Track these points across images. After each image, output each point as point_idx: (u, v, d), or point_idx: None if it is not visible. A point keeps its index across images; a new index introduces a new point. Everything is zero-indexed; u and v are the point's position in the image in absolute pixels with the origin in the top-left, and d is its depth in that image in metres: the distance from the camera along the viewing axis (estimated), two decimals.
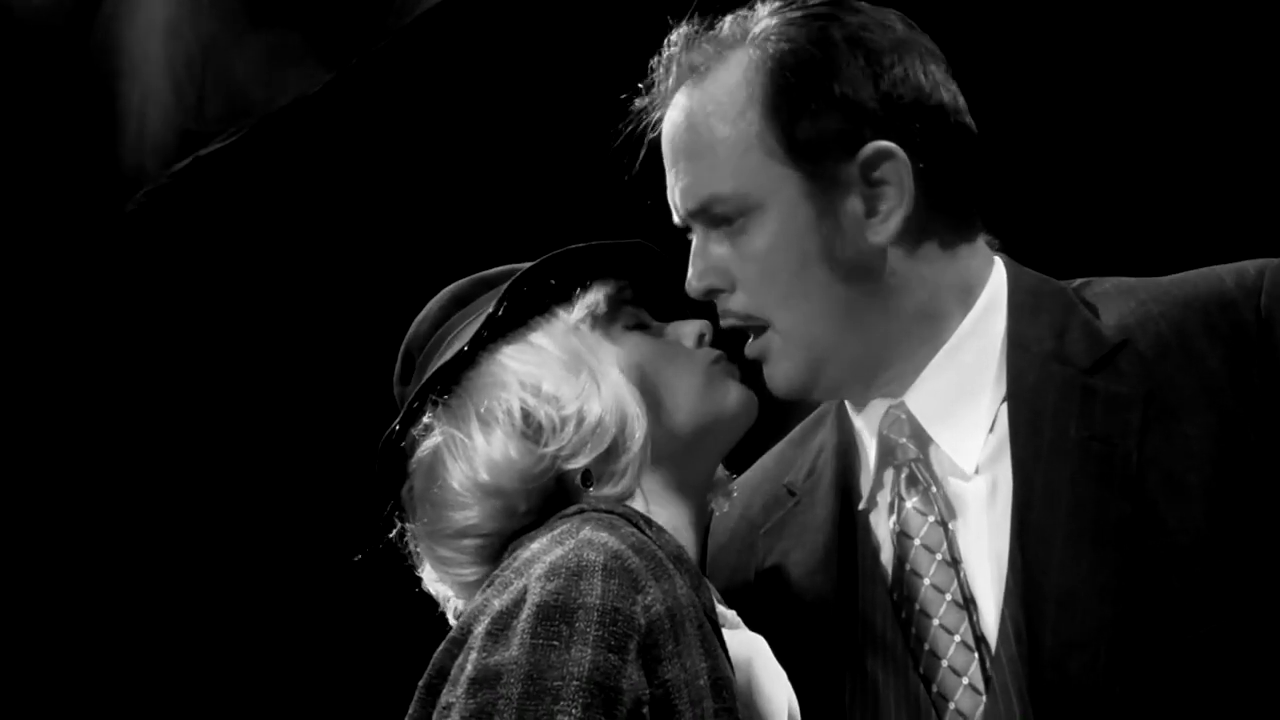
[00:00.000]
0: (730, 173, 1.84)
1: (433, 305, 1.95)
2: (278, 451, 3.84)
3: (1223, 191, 2.72)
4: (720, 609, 1.82)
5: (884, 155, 1.82)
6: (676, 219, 1.93)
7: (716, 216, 1.86)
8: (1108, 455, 1.75)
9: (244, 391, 3.93)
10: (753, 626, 1.86)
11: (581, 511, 1.74)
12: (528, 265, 1.89)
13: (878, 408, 1.90)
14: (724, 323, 1.91)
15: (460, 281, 1.95)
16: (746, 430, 1.94)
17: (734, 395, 1.91)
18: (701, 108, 1.87)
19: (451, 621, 1.87)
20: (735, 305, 1.88)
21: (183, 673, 3.99)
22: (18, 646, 4.02)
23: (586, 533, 1.66)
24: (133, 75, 3.86)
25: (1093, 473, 1.75)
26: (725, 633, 1.77)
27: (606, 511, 1.73)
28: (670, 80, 1.91)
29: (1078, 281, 1.91)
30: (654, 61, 1.93)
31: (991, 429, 1.83)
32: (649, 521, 1.77)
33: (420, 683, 1.68)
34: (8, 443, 4.04)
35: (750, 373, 1.94)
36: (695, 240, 1.90)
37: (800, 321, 1.84)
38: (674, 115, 1.90)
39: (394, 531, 1.90)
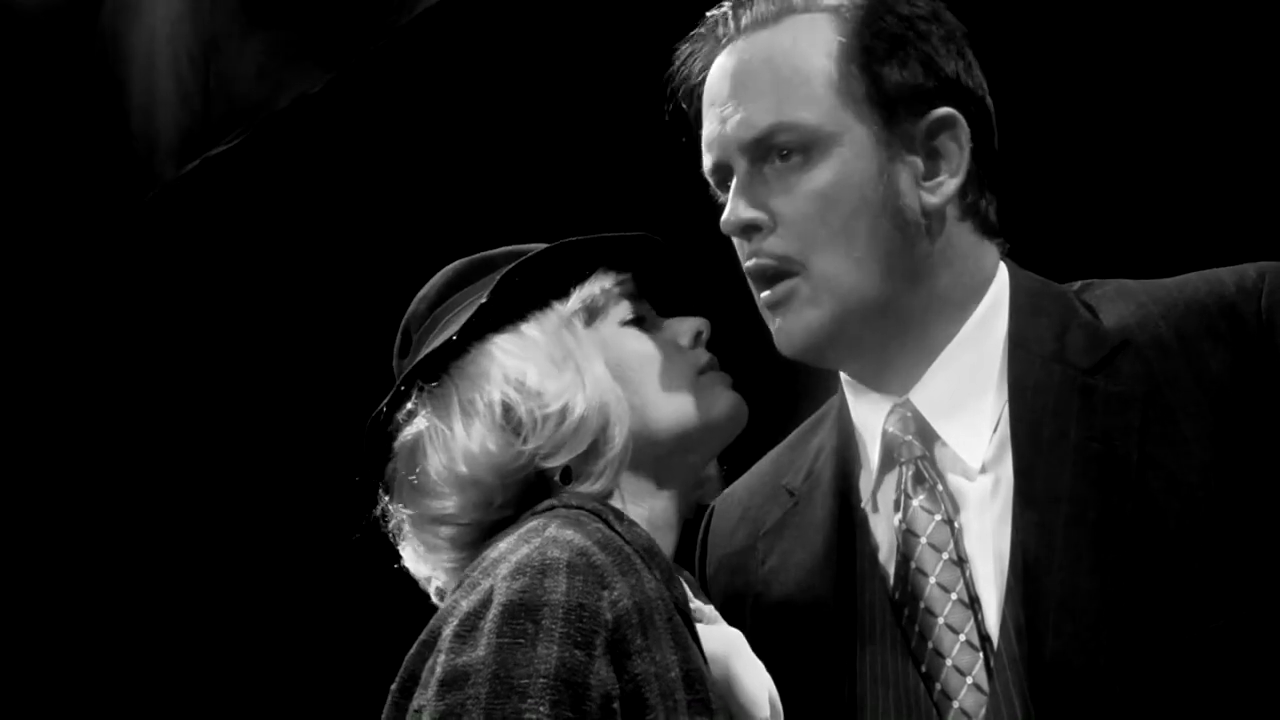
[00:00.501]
0: (806, 104, 1.82)
1: (434, 282, 1.93)
2: (283, 448, 3.85)
3: (1223, 192, 2.72)
4: (698, 604, 1.81)
5: (950, 122, 1.84)
6: (711, 161, 1.90)
7: (775, 147, 1.83)
8: (1107, 456, 1.74)
9: (251, 389, 3.94)
10: (754, 627, 1.86)
11: (552, 508, 1.73)
12: (532, 248, 1.88)
13: (880, 406, 1.90)
14: (752, 264, 1.87)
15: (463, 260, 1.94)
16: (733, 439, 1.92)
17: (722, 402, 1.88)
18: (778, 45, 1.85)
19: (435, 601, 1.87)
20: (772, 244, 1.84)
21: (166, 669, 3.99)
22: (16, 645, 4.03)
23: (552, 530, 1.66)
24: (137, 77, 3.87)
25: (1092, 473, 1.74)
26: (703, 628, 1.76)
27: (576, 507, 1.73)
28: (734, 25, 1.89)
29: (1078, 284, 1.91)
30: (712, 12, 1.92)
31: (995, 428, 1.83)
32: (620, 516, 1.76)
33: (393, 686, 1.68)
34: (15, 438, 4.06)
35: (740, 381, 1.92)
36: (739, 177, 1.85)
37: (839, 268, 1.82)
38: (738, 55, 1.87)
39: (378, 509, 1.89)
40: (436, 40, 3.37)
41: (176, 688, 3.98)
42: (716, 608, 1.93)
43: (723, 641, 1.77)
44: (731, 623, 1.87)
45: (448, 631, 1.62)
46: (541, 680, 1.55)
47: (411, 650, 1.68)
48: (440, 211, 3.58)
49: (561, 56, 3.35)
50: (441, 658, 1.60)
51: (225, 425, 4.00)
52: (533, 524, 1.70)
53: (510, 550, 1.66)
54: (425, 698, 1.59)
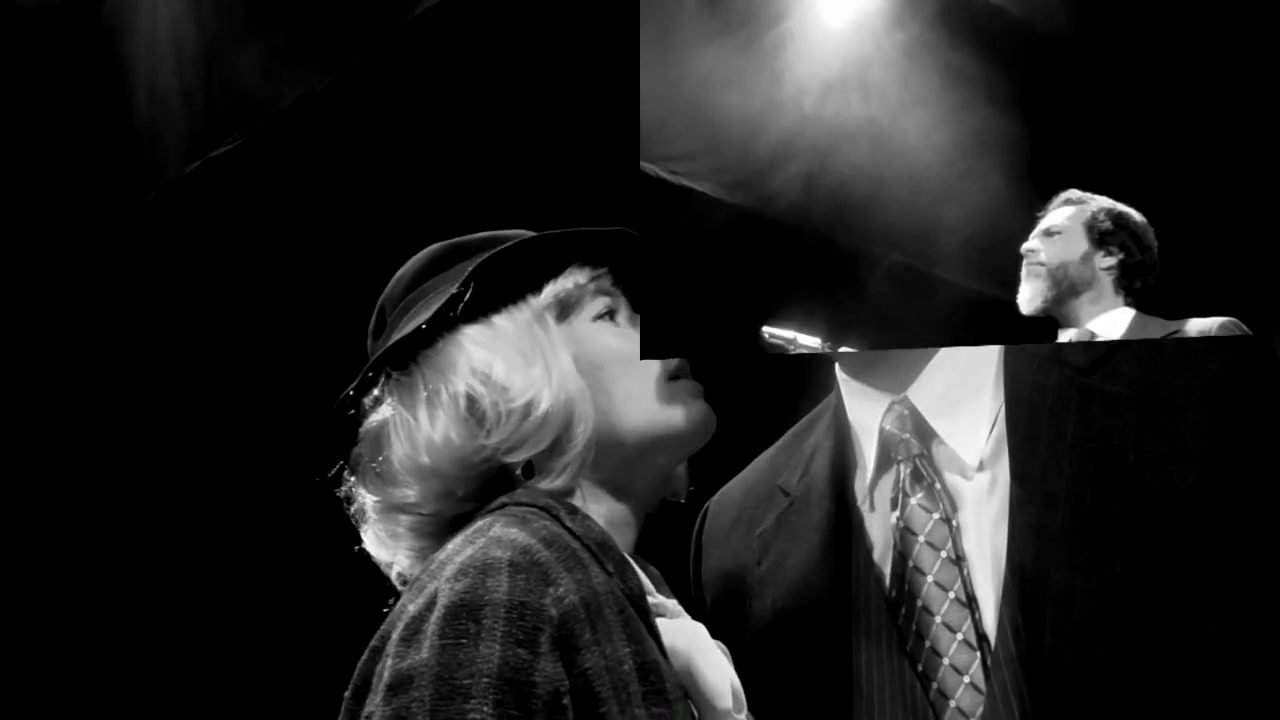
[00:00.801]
0: None
1: (411, 265, 1.92)
2: (282, 444, 3.85)
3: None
4: (660, 599, 1.79)
5: None
6: None
7: None
8: (1104, 455, 1.74)
9: (253, 387, 3.94)
10: (751, 627, 1.86)
11: (503, 506, 1.72)
12: (512, 234, 1.87)
13: (877, 404, 1.90)
14: None
15: (442, 244, 1.92)
16: (698, 448, 1.88)
17: (689, 412, 1.85)
18: None
19: (396, 585, 1.86)
20: None
21: (123, 668, 3.99)
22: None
23: (496, 530, 1.65)
24: (139, 77, 3.87)
25: (1090, 473, 1.74)
26: (664, 622, 1.74)
27: (527, 504, 1.71)
28: None
29: None
30: None
31: (993, 427, 1.84)
32: (573, 511, 1.73)
33: (346, 693, 1.67)
34: (16, 436, 4.07)
35: (710, 391, 1.90)
36: None
37: None
38: None
39: (341, 490, 1.87)
40: (436, 40, 3.37)
41: (132, 688, 3.97)
42: (712, 608, 1.93)
43: (684, 635, 1.75)
44: (728, 623, 1.87)
45: (395, 636, 1.61)
46: (485, 680, 1.54)
47: (363, 656, 1.67)
48: (440, 210, 3.58)
49: (561, 56, 3.35)
50: (389, 662, 1.59)
51: (226, 423, 4.01)
52: (479, 524, 1.69)
53: (456, 551, 1.65)
54: (374, 702, 1.58)
